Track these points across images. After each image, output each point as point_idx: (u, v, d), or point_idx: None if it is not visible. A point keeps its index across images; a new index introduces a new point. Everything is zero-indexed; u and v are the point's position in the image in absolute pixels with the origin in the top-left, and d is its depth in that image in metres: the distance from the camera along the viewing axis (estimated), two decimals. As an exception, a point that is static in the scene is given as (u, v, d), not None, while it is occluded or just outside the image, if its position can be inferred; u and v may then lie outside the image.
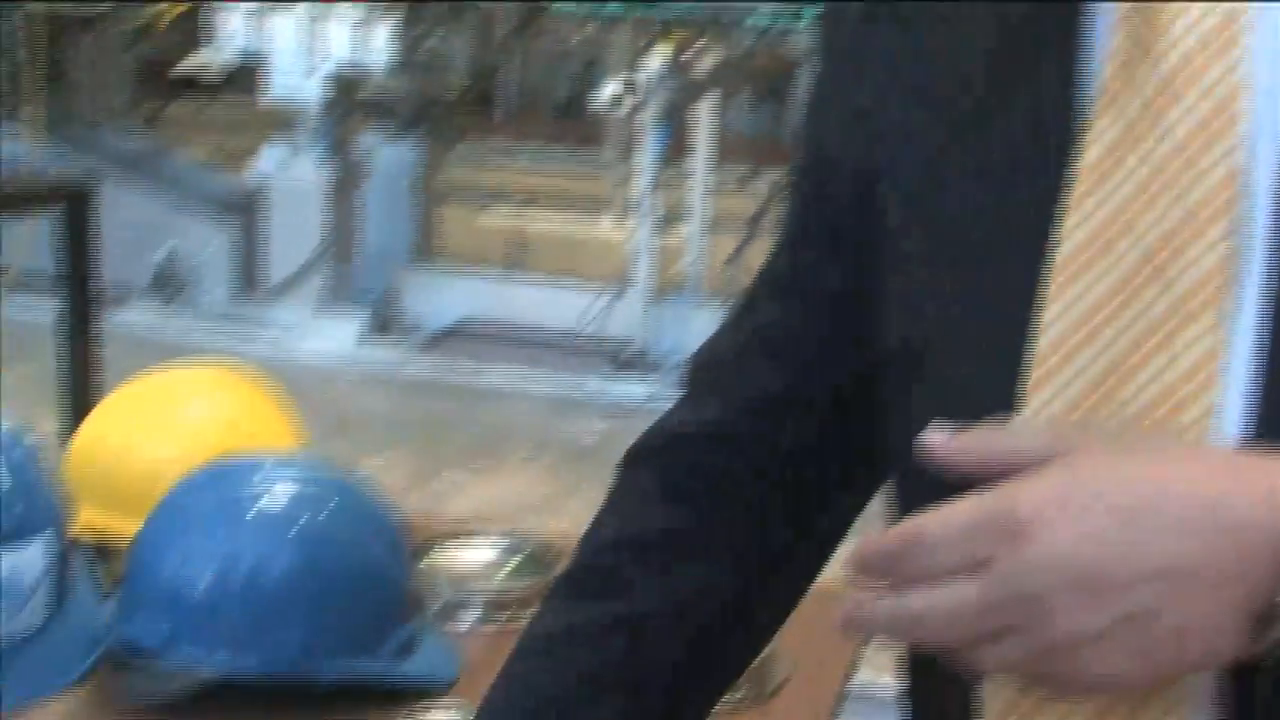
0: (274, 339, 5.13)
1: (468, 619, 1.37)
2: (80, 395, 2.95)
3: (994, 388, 0.71)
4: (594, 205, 6.19)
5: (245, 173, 5.45)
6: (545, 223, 6.18)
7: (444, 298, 5.34)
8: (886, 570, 0.66)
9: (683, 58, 4.88)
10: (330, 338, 5.17)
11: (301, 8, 5.01)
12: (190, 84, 5.85)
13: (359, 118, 5.26)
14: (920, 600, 0.64)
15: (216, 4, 5.17)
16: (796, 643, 1.33)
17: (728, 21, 4.95)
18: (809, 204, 0.88)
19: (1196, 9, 0.68)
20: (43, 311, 3.28)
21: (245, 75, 5.26)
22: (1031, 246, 0.70)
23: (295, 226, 5.20)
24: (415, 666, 1.26)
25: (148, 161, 5.71)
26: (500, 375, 4.93)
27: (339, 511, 1.26)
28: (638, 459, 0.91)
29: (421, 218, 5.54)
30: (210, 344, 4.87)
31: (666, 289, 5.10)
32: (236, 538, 1.22)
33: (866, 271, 0.80)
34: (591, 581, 0.88)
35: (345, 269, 5.31)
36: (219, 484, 1.27)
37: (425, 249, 5.56)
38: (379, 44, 5.02)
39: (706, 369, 0.91)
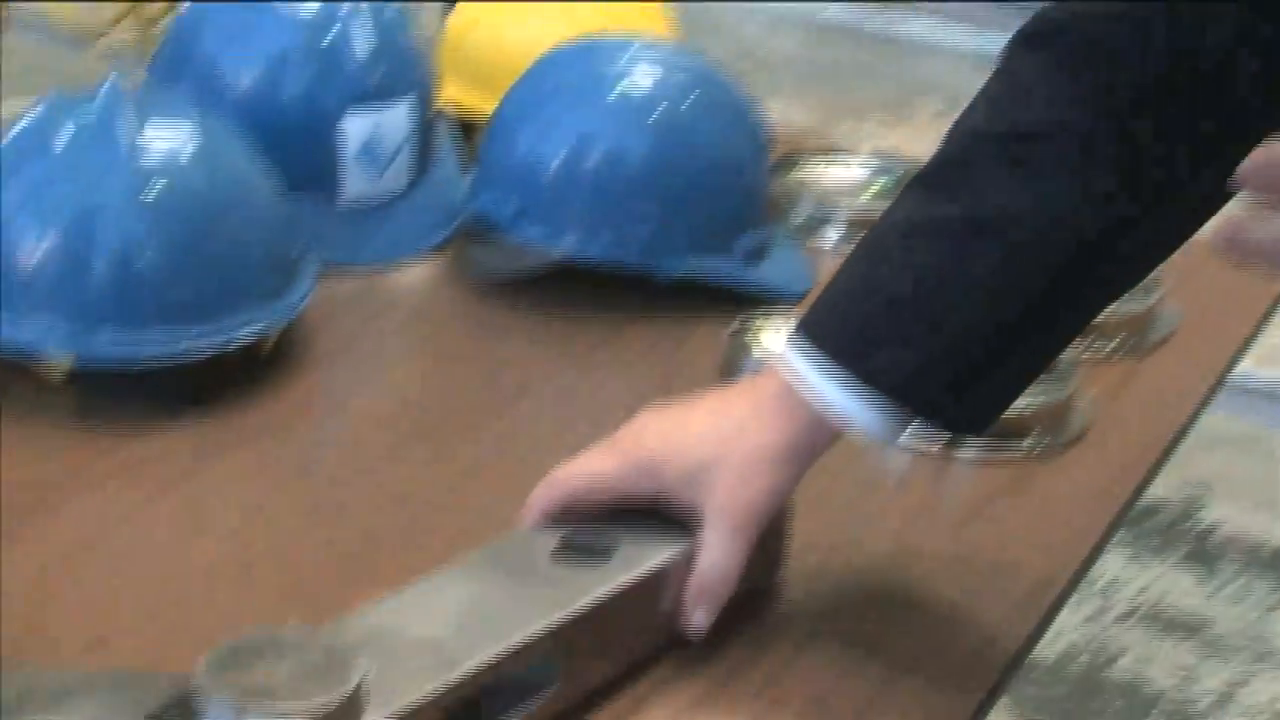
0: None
1: (830, 236, 1.29)
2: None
3: None
4: None
5: None
6: None
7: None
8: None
9: None
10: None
11: None
12: None
13: None
14: None
15: None
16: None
17: None
18: None
19: None
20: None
21: None
22: None
23: None
24: (765, 274, 1.20)
25: None
26: (921, 26, 4.73)
27: (703, 104, 1.19)
28: (1030, 42, 0.80)
29: None
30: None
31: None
32: (594, 119, 1.17)
33: None
34: (946, 175, 0.79)
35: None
36: (583, 58, 1.21)
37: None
38: None
39: None
